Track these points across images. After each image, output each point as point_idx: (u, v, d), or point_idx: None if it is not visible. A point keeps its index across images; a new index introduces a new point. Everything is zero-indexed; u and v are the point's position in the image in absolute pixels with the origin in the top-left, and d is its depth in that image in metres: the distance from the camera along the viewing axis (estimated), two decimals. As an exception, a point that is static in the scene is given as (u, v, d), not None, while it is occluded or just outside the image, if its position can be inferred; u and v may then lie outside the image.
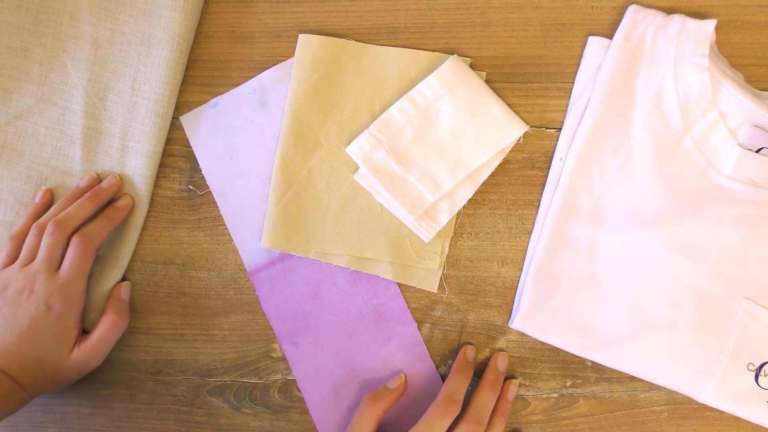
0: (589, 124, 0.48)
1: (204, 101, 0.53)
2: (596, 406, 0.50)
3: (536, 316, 0.49)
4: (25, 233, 0.50)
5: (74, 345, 0.48)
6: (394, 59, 0.51)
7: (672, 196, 0.47)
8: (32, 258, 0.48)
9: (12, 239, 0.50)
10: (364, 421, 0.47)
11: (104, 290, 0.51)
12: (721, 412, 0.48)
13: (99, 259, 0.52)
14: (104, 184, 0.51)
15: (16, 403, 0.47)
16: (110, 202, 0.51)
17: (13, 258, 0.49)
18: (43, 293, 0.46)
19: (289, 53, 0.52)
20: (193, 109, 0.52)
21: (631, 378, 0.50)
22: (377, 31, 0.51)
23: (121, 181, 0.51)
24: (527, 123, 0.50)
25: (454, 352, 0.51)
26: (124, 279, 0.53)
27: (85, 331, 0.50)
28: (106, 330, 0.49)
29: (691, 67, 0.46)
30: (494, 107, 0.49)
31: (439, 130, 0.49)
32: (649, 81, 0.47)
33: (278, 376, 0.52)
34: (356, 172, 0.50)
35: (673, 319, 0.47)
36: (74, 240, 0.47)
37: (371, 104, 0.51)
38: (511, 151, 0.50)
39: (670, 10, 0.48)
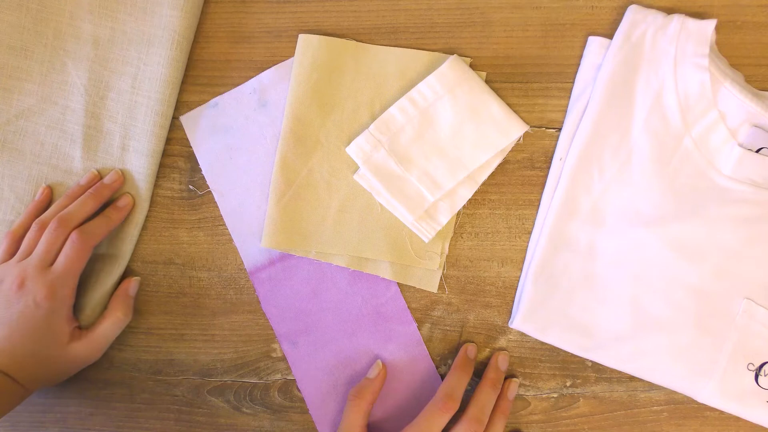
0: (589, 124, 0.48)
1: (204, 101, 0.53)
2: (596, 406, 0.50)
3: (536, 316, 0.49)
4: (23, 229, 0.50)
5: (71, 339, 0.48)
6: (394, 59, 0.51)
7: (672, 196, 0.47)
8: (30, 253, 0.48)
9: (9, 235, 0.50)
10: (352, 418, 0.47)
11: (103, 288, 0.51)
12: (721, 412, 0.48)
13: (99, 257, 0.52)
14: (106, 180, 0.51)
15: (12, 398, 0.47)
16: (110, 200, 0.51)
17: (10, 254, 0.49)
18: (33, 289, 0.46)
19: (289, 53, 0.52)
20: (193, 109, 0.53)
21: (631, 378, 0.50)
22: (377, 31, 0.51)
23: (123, 177, 0.52)
24: (527, 123, 0.50)
25: (454, 352, 0.51)
26: (128, 275, 0.53)
27: (79, 327, 0.50)
28: (109, 325, 0.50)
29: (691, 67, 0.46)
30: (494, 107, 0.49)
31: (439, 130, 0.49)
32: (649, 81, 0.47)
33: (278, 376, 0.52)
34: (356, 172, 0.50)
35: (672, 318, 0.47)
36: (72, 236, 0.47)
37: (371, 104, 0.51)
38: (511, 151, 0.50)
39: (670, 10, 0.48)
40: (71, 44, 0.52)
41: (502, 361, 0.50)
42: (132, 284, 0.52)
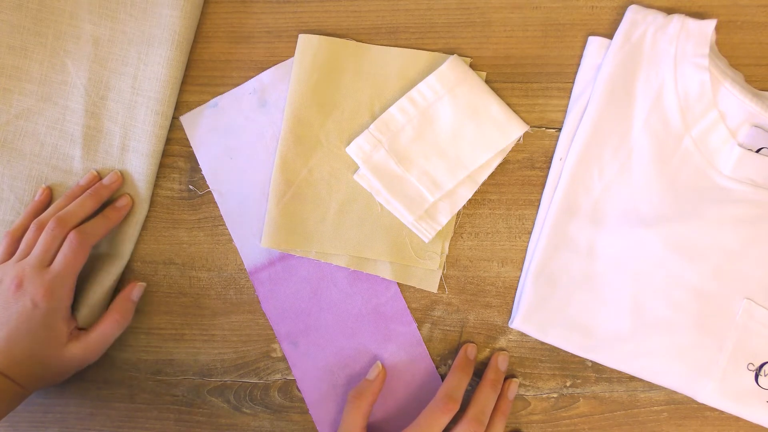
0: (589, 124, 0.48)
1: (204, 101, 0.53)
2: (596, 406, 0.50)
3: (536, 316, 0.49)
4: (22, 230, 0.50)
5: (69, 339, 0.48)
6: (394, 59, 0.51)
7: (672, 196, 0.47)
8: (28, 253, 0.48)
9: (8, 235, 0.50)
10: (352, 419, 0.47)
11: (102, 288, 0.51)
12: (721, 412, 0.48)
13: (99, 257, 0.52)
14: (105, 181, 0.51)
15: (12, 399, 0.46)
16: (110, 200, 0.51)
17: (9, 254, 0.49)
18: (30, 289, 0.46)
19: (289, 53, 0.52)
20: (193, 109, 0.53)
21: (631, 378, 0.50)
22: (377, 31, 0.51)
23: (122, 178, 0.52)
24: (527, 123, 0.50)
25: (454, 352, 0.51)
26: (128, 275, 0.53)
27: (81, 328, 0.50)
28: (107, 327, 0.49)
29: (691, 67, 0.46)
30: (494, 107, 0.49)
31: (439, 130, 0.49)
32: (649, 81, 0.47)
33: (278, 376, 0.52)
34: (356, 172, 0.50)
35: (672, 319, 0.47)
36: (70, 236, 0.47)
37: (371, 104, 0.51)
38: (511, 151, 0.50)
39: (670, 10, 0.48)
40: (71, 44, 0.52)
41: (501, 362, 0.50)
42: (136, 289, 0.52)
